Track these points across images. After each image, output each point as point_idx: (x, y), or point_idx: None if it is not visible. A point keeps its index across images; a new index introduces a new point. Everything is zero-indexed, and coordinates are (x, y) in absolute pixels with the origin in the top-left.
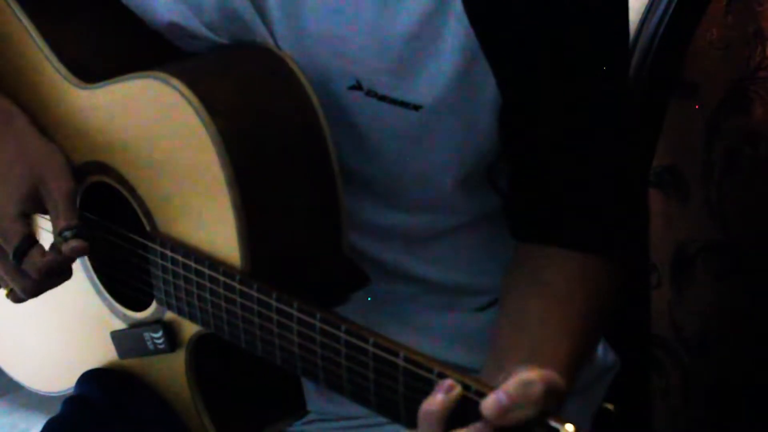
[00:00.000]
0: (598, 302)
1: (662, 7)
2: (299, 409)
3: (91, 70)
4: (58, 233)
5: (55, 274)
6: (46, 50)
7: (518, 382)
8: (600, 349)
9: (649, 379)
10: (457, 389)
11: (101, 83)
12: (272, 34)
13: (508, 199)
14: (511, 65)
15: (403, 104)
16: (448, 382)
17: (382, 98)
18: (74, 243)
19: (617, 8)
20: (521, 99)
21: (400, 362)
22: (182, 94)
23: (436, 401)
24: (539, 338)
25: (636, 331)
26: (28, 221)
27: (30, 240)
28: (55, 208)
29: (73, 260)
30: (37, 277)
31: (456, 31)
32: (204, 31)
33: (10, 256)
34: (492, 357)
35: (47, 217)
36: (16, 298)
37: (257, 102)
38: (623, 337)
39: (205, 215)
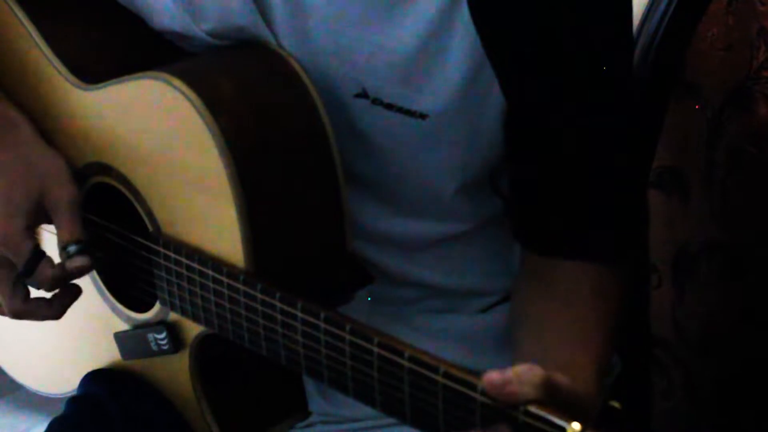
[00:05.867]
0: (615, 311)
1: (662, 7)
2: (301, 411)
3: (93, 71)
4: (61, 247)
5: (66, 286)
6: (47, 51)
7: (522, 366)
8: None
9: (650, 380)
10: None
11: (102, 84)
12: (277, 42)
13: (513, 206)
14: (516, 72)
15: (410, 113)
16: None
17: (389, 107)
18: (78, 261)
19: (622, 17)
20: (526, 105)
21: (405, 362)
22: (184, 95)
23: None
24: (565, 357)
25: (636, 332)
26: (35, 234)
27: (39, 254)
28: (59, 218)
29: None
30: (49, 290)
31: (463, 39)
32: (206, 38)
33: (20, 271)
34: None
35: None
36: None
37: (259, 101)
38: (623, 338)
39: (208, 215)
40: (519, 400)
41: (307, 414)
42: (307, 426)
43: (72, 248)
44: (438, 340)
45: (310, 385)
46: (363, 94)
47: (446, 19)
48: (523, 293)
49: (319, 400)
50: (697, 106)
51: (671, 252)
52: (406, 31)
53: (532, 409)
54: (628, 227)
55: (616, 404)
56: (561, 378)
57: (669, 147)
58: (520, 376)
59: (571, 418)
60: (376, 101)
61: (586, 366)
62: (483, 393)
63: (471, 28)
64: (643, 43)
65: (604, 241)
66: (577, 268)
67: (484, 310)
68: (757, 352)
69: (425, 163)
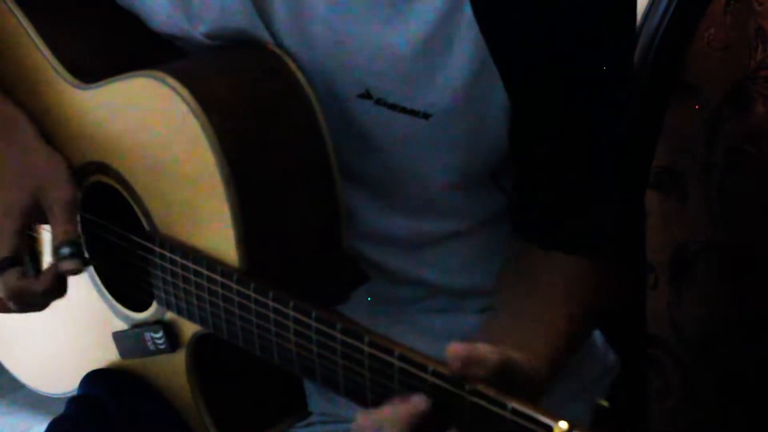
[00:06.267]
0: (592, 304)
1: (662, 7)
2: (301, 410)
3: (90, 71)
4: (54, 247)
5: (24, 301)
6: (45, 50)
7: (485, 346)
8: (600, 348)
9: (647, 380)
10: None
11: (99, 83)
12: (278, 44)
13: (513, 198)
14: (520, 71)
15: (413, 112)
16: None
17: (392, 107)
18: (68, 264)
19: (625, 17)
20: (529, 104)
21: (395, 361)
22: (178, 93)
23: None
24: (527, 336)
25: (633, 332)
26: (23, 239)
27: (12, 260)
28: (54, 218)
29: (47, 297)
30: (4, 296)
31: (466, 38)
32: (203, 40)
33: None
34: None
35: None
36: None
37: (254, 100)
38: (620, 338)
39: (203, 215)
40: (474, 378)
41: (306, 414)
42: (307, 426)
43: (65, 250)
44: (438, 339)
45: (310, 384)
46: (366, 95)
47: (449, 17)
48: (504, 276)
49: (319, 400)
50: (696, 106)
51: (668, 252)
52: (408, 31)
53: (519, 407)
54: (622, 225)
55: (604, 403)
56: (518, 359)
57: (667, 147)
58: (482, 357)
59: (557, 417)
60: (380, 101)
61: (543, 351)
62: (472, 392)
63: (474, 26)
64: (643, 43)
65: (594, 237)
66: (563, 259)
67: (484, 310)
68: (754, 351)
69: (428, 162)
